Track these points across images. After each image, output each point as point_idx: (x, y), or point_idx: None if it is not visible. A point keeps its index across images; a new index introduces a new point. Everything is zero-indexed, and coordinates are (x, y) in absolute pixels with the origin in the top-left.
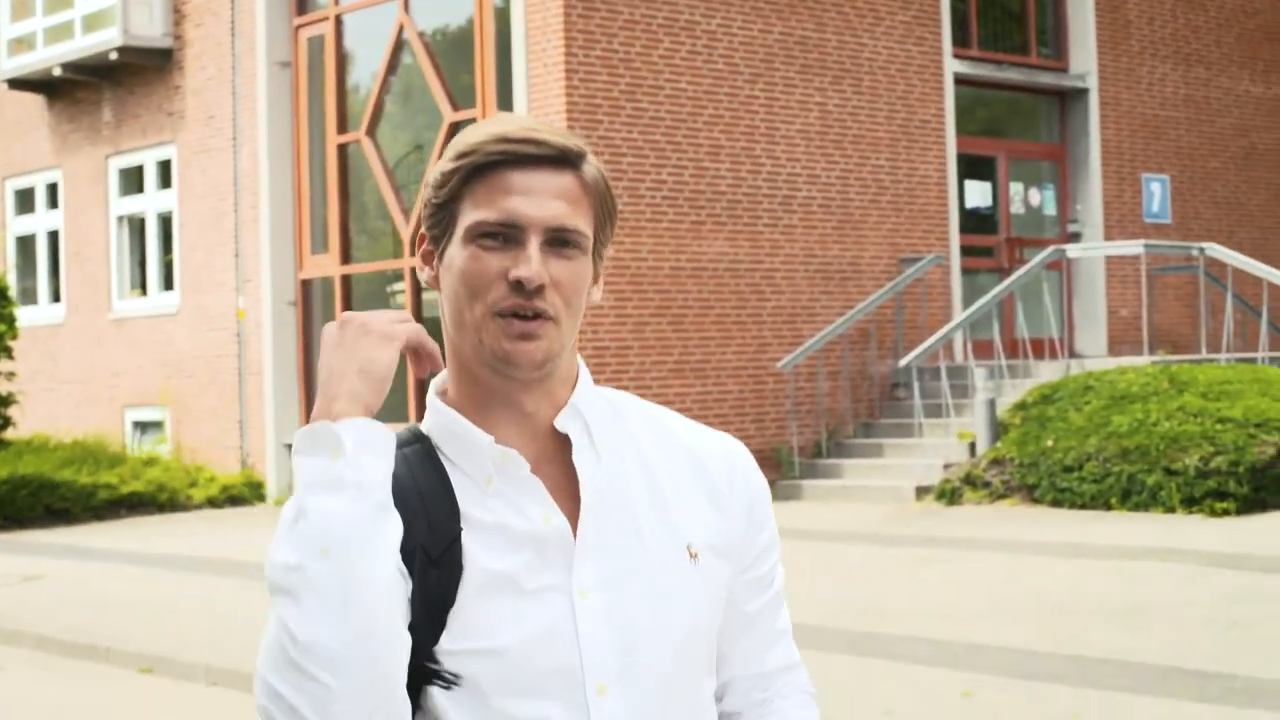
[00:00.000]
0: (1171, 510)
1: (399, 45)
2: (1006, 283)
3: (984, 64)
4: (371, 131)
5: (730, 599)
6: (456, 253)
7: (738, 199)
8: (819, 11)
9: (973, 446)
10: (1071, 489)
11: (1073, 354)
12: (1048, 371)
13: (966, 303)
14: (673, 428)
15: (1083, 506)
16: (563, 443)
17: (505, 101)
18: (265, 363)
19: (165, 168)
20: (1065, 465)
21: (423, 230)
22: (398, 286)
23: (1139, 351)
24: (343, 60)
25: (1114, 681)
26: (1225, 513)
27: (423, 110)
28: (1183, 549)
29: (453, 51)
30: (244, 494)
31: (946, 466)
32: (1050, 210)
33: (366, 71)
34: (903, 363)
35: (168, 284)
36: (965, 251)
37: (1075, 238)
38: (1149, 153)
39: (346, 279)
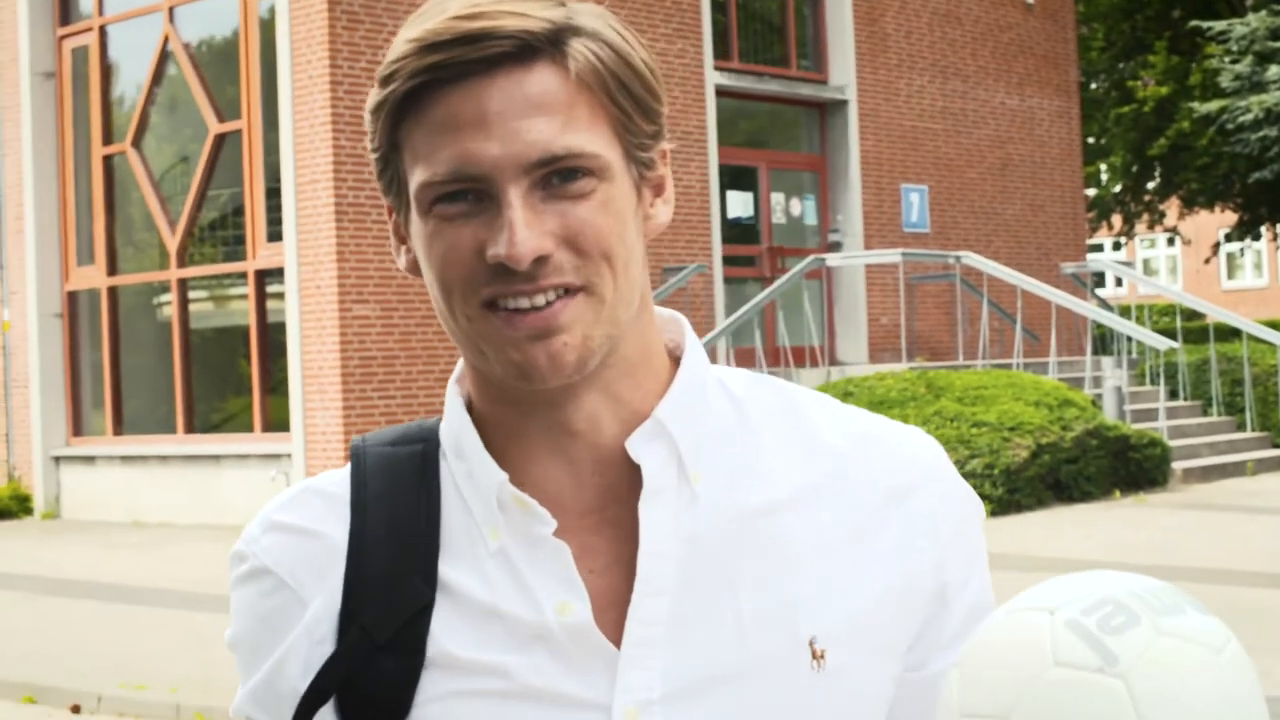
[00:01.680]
0: None
1: (164, 56)
2: (767, 291)
3: (745, 76)
4: (137, 143)
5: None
6: (418, 229)
7: None
8: None
9: None
10: None
11: (834, 361)
12: (809, 379)
13: (729, 311)
14: (819, 432)
15: None
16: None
17: (271, 114)
18: (32, 375)
19: None
20: None
21: (384, 200)
22: (164, 298)
23: (898, 358)
24: (108, 71)
25: None
26: None
27: (189, 122)
28: None
29: (219, 63)
30: (10, 508)
31: None
32: (811, 220)
33: (132, 83)
34: None
35: None
36: (728, 261)
37: (836, 247)
38: (907, 163)
39: (113, 291)
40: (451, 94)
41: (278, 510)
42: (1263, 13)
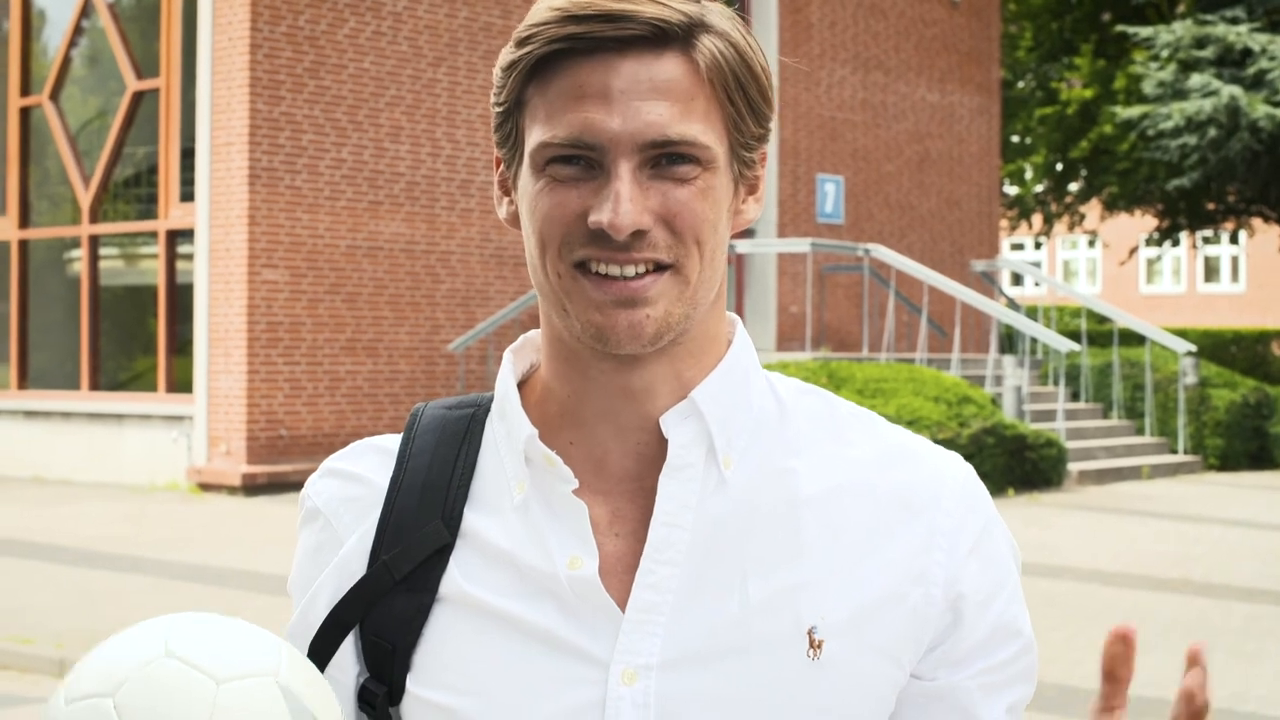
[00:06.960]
0: None
1: (86, 10)
2: None
3: None
4: (55, 96)
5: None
6: (527, 185)
7: (416, 181)
8: None
9: None
10: None
11: None
12: None
13: None
14: (852, 445)
15: None
16: None
17: (189, 73)
18: None
19: None
20: None
21: (496, 152)
22: (75, 254)
23: (805, 347)
24: (29, 23)
25: None
26: None
27: (108, 78)
28: None
29: (141, 20)
30: None
31: None
32: None
33: (53, 36)
34: None
35: None
36: None
37: (749, 234)
38: (825, 154)
39: (24, 244)
40: (582, 65)
41: (335, 459)
42: (1188, 21)
